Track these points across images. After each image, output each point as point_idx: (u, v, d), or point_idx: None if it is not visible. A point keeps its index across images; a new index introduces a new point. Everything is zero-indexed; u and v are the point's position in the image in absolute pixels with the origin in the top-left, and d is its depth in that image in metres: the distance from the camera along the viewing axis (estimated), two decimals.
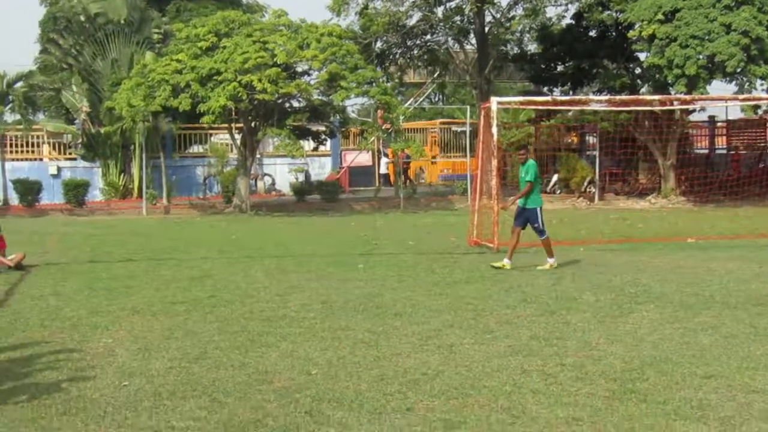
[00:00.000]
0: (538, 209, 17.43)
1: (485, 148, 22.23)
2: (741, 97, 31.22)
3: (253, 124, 34.75)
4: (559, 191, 39.87)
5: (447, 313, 12.39)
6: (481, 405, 7.93)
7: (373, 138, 40.93)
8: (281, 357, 9.79)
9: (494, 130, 20.86)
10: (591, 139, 43.87)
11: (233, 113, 34.69)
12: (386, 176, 46.30)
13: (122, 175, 39.70)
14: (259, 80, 31.13)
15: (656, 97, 29.28)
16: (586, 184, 38.80)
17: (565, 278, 15.72)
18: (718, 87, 38.52)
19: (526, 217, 17.57)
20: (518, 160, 18.35)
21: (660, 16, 32.84)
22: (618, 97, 31.32)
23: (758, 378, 8.72)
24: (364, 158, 46.86)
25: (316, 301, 13.51)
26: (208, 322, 11.84)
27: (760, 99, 31.66)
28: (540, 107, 34.17)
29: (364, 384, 8.65)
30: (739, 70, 32.22)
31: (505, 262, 17.05)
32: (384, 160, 45.22)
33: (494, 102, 21.01)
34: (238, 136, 36.18)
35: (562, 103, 30.54)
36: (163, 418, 7.70)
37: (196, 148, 44.64)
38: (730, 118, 46.63)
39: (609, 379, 8.76)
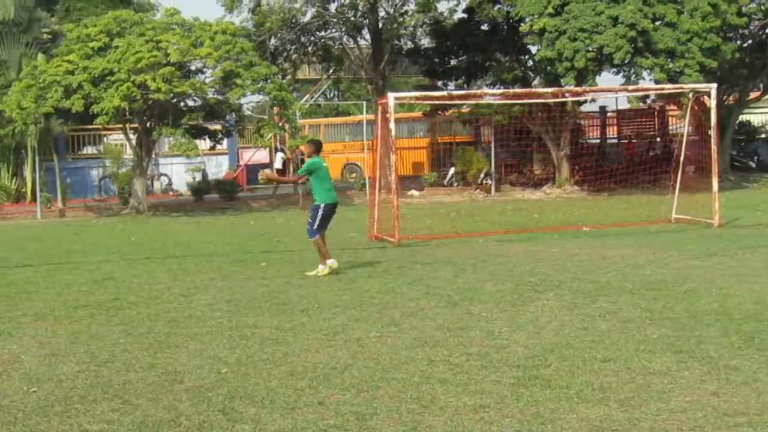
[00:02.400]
0: (321, 207, 16.21)
1: (383, 143, 22.42)
2: (630, 88, 31.92)
3: (148, 124, 34.49)
4: (456, 184, 40.33)
5: (352, 307, 12.54)
6: (391, 396, 8.10)
7: (269, 135, 40.87)
8: (190, 357, 9.84)
9: (392, 125, 21.07)
10: (486, 132, 44.38)
11: (127, 113, 34.34)
12: (282, 172, 46.09)
13: (14, 178, 39.08)
14: (153, 80, 30.93)
15: (549, 90, 29.77)
16: (482, 176, 39.27)
17: (466, 270, 15.98)
18: (607, 78, 39.39)
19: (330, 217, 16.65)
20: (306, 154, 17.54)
21: (549, 10, 33.41)
22: (512, 90, 31.85)
23: (655, 360, 9.03)
24: (261, 156, 46.81)
25: (222, 300, 13.55)
26: (113, 325, 11.80)
27: (647, 89, 32.43)
28: (436, 101, 34.50)
29: (275, 380, 8.76)
30: (626, 61, 32.95)
31: (330, 262, 16.09)
32: (279, 155, 45.11)
33: (391, 97, 21.21)
34: (133, 137, 35.84)
35: (458, 97, 30.88)
36: (75, 422, 7.71)
37: (89, 150, 44.13)
38: (619, 108, 47.62)
39: (513, 366, 8.99)
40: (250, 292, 14.23)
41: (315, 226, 16.16)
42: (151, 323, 11.84)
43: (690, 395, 7.86)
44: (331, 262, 16.04)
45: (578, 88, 30.85)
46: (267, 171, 16.61)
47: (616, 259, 16.60)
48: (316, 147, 16.83)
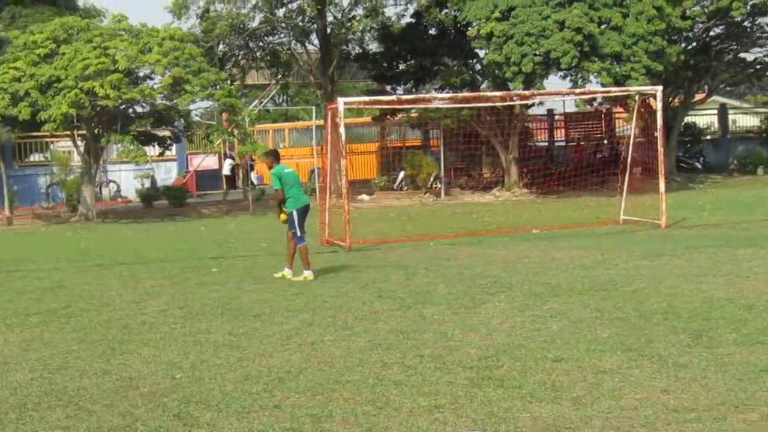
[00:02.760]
0: (294, 213, 16.11)
1: (333, 148, 22.49)
2: (578, 91, 32.17)
3: (96, 131, 34.23)
4: (406, 188, 40.46)
5: (305, 312, 12.59)
6: (346, 399, 8.16)
7: (219, 141, 40.79)
8: (144, 363, 9.85)
9: (341, 130, 21.14)
10: (434, 136, 44.57)
11: (75, 120, 34.07)
12: (230, 178, 45.84)
13: None
14: (101, 86, 30.72)
15: (497, 93, 29.97)
16: (431, 180, 39.44)
17: (417, 273, 16.08)
18: (554, 82, 39.69)
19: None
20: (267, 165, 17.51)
21: (497, 14, 33.62)
22: (461, 95, 32.07)
23: (606, 359, 9.16)
24: (210, 162, 46.68)
25: (174, 306, 13.55)
26: (65, 332, 11.78)
27: (594, 92, 32.71)
28: (386, 106, 34.64)
29: (230, 385, 8.79)
30: (573, 65, 33.23)
31: (286, 271, 16.26)
32: (228, 162, 44.91)
33: (341, 102, 21.27)
34: (81, 143, 35.61)
35: (407, 101, 31.03)
36: (30, 429, 7.71)
37: (37, 157, 43.78)
38: (567, 111, 48.03)
39: (466, 367, 9.09)
40: (203, 297, 14.24)
41: (299, 234, 16.11)
42: (103, 330, 11.83)
43: (640, 393, 7.99)
44: (307, 273, 15.98)
45: (526, 92, 31.07)
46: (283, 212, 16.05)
47: (565, 261, 16.77)
48: (274, 156, 16.87)
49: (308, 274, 15.96)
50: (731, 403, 7.57)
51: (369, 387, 8.51)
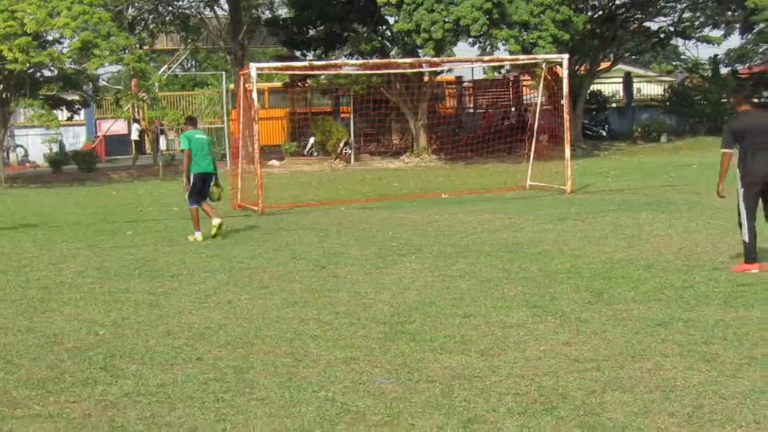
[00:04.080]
0: (192, 176, 16.68)
1: (245, 114, 22.67)
2: (486, 58, 32.65)
3: (4, 95, 33.93)
4: (316, 153, 40.71)
5: (221, 272, 12.89)
6: (266, 352, 8.52)
7: (128, 106, 40.59)
8: (67, 320, 10.09)
9: (254, 95, 21.36)
10: (344, 102, 44.81)
11: None
12: (138, 143, 45.36)
13: None
14: (9, 50, 30.45)
15: (408, 60, 30.36)
16: (341, 145, 39.67)
17: (329, 236, 16.46)
18: (463, 49, 40.14)
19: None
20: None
21: None
22: (372, 61, 32.33)
23: (512, 315, 9.64)
24: (119, 127, 46.37)
25: (91, 267, 13.74)
26: None
27: (503, 60, 33.20)
28: (298, 72, 34.81)
29: (152, 340, 9.09)
30: (482, 32, 33.72)
31: (214, 221, 16.62)
32: (134, 126, 44.47)
33: (253, 68, 21.48)
34: None
35: (320, 67, 31.27)
36: None
37: None
38: (475, 78, 48.57)
39: (380, 323, 9.50)
40: (119, 259, 14.45)
41: (186, 196, 16.75)
42: (22, 290, 12.00)
43: (544, 345, 8.48)
44: (197, 235, 16.48)
45: (437, 59, 31.50)
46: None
47: (474, 224, 17.27)
48: (190, 121, 17.92)
49: (197, 235, 16.47)
50: (628, 354, 8.08)
51: (287, 341, 8.87)
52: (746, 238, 11.64)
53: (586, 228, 16.24)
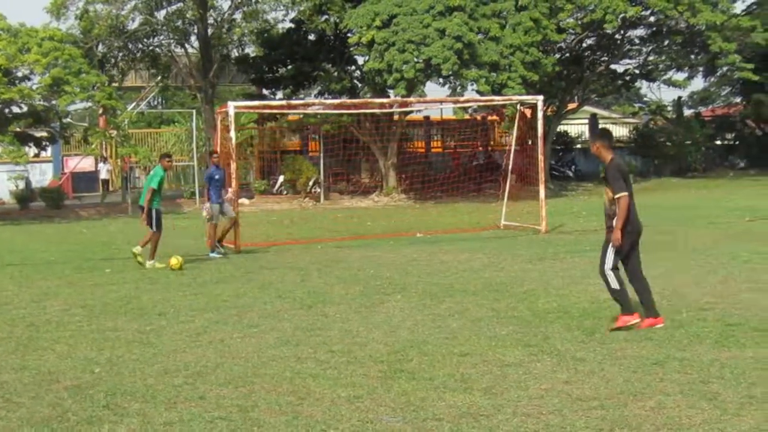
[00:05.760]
0: (152, 211, 18.65)
1: (223, 152, 22.66)
2: (462, 99, 32.96)
3: None
4: (285, 192, 40.74)
5: (209, 311, 12.86)
6: (268, 390, 8.51)
7: (96, 143, 40.50)
8: (60, 358, 10.02)
9: (232, 134, 21.38)
10: (314, 141, 44.94)
11: None
12: (106, 182, 45.09)
13: None
14: None
15: (384, 100, 30.57)
16: (311, 184, 39.79)
17: (311, 274, 16.47)
18: (433, 89, 40.43)
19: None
20: (165, 166, 19.19)
21: (378, 23, 34.24)
22: (349, 101, 32.50)
23: (508, 354, 9.68)
24: (87, 163, 46.19)
25: (75, 305, 13.66)
26: None
27: (473, 101, 33.46)
28: (275, 111, 34.91)
29: (151, 378, 9.05)
30: (452, 73, 34.00)
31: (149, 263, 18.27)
32: (105, 166, 44.09)
33: (231, 106, 21.53)
34: None
35: (297, 106, 31.40)
36: None
37: None
38: (444, 118, 48.88)
39: (377, 361, 9.51)
40: (102, 297, 14.38)
41: (154, 228, 18.62)
42: (9, 328, 11.90)
43: (545, 384, 8.52)
44: (150, 264, 18.17)
45: (412, 99, 31.70)
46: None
47: (454, 264, 17.33)
48: (163, 157, 19.39)
49: (150, 264, 18.17)
50: (629, 393, 8.14)
51: (287, 380, 8.86)
52: (616, 286, 10.97)
53: (566, 267, 16.35)
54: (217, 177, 20.37)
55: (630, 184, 11.16)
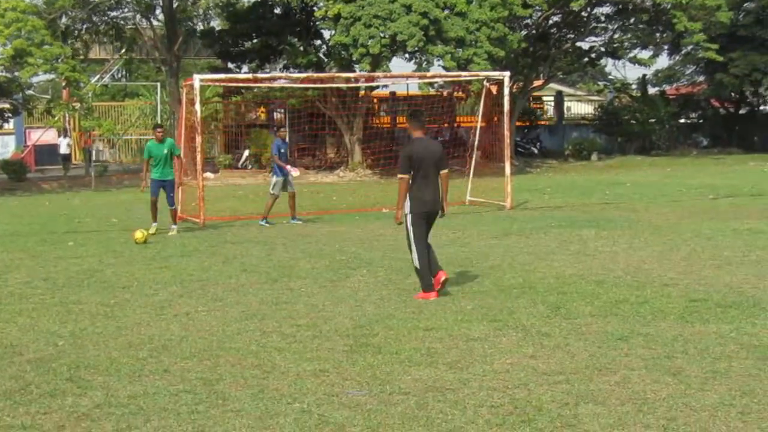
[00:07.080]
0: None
1: (188, 126, 22.54)
2: (428, 74, 32.79)
3: None
4: (250, 166, 40.59)
5: (173, 285, 12.79)
6: (233, 364, 8.47)
7: (59, 116, 40.17)
8: (23, 331, 9.95)
9: (197, 107, 21.24)
10: (278, 115, 44.76)
11: None
12: (67, 156, 44.37)
13: None
14: None
15: (351, 74, 30.49)
16: None
17: (276, 248, 16.42)
18: (399, 64, 40.37)
19: (163, 187, 19.23)
20: (157, 137, 19.34)
21: None
22: (316, 75, 32.39)
23: (473, 328, 9.69)
24: (50, 136, 45.79)
25: (37, 278, 13.57)
26: None
27: (444, 76, 33.45)
28: (242, 84, 34.74)
29: (115, 351, 8.99)
30: (418, 48, 33.91)
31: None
32: (64, 141, 43.27)
33: (197, 79, 21.36)
34: None
35: (263, 80, 31.26)
36: None
37: None
38: (410, 93, 48.77)
39: (343, 335, 9.49)
40: (65, 270, 14.28)
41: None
42: None
43: (510, 358, 8.53)
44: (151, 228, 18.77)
45: (378, 74, 31.59)
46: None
47: None
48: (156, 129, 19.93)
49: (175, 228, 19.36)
50: (594, 367, 8.17)
51: (253, 353, 8.83)
52: (417, 264, 11.62)
53: (531, 243, 16.38)
54: (282, 150, 20.90)
55: (422, 167, 11.80)
